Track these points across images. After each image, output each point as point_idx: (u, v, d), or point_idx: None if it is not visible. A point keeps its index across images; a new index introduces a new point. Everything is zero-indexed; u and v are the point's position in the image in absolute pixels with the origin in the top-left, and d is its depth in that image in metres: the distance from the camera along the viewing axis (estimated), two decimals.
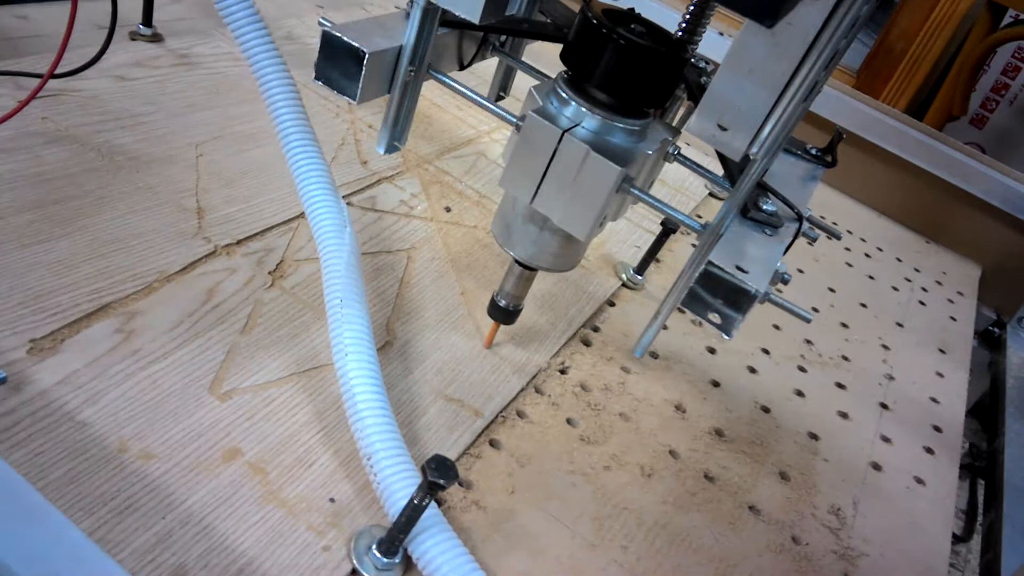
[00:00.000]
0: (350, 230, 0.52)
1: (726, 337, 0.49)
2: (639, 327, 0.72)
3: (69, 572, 0.26)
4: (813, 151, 0.64)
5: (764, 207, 0.52)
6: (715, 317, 0.49)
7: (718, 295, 0.48)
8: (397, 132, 0.54)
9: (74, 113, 0.68)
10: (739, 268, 0.47)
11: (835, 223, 1.10)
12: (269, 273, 0.60)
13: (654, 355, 0.70)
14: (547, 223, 0.52)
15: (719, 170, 0.55)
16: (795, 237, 0.52)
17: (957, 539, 1.14)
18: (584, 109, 0.48)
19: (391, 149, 0.54)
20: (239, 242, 0.61)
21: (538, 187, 0.49)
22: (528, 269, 0.57)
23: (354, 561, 0.43)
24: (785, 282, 0.50)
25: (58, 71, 0.66)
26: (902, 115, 1.19)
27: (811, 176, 0.62)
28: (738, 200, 0.48)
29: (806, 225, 0.54)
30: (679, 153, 0.53)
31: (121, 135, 0.67)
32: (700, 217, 0.96)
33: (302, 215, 0.67)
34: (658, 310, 0.54)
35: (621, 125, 0.48)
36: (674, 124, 0.60)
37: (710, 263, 0.47)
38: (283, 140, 0.52)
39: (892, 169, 1.16)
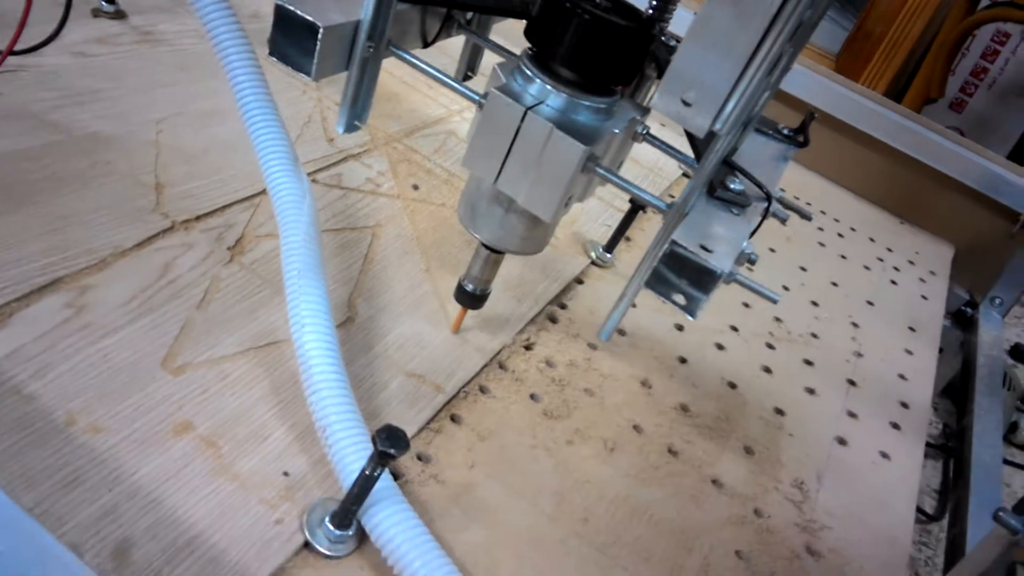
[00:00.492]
0: (310, 200, 0.51)
1: (690, 318, 0.48)
2: (607, 305, 0.72)
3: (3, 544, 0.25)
4: (785, 131, 0.64)
5: (731, 186, 0.51)
6: (679, 298, 0.48)
7: (683, 275, 0.47)
8: (357, 111, 0.53)
9: (31, 89, 0.66)
10: (703, 247, 0.46)
11: (809, 204, 1.10)
12: (228, 249, 0.59)
13: (621, 332, 0.69)
14: (512, 204, 0.51)
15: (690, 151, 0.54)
16: (763, 217, 0.51)
17: (929, 518, 1.16)
18: (549, 87, 0.47)
19: (351, 128, 0.53)
20: (198, 218, 0.60)
21: (501, 167, 0.47)
22: (495, 252, 0.55)
23: (307, 534, 0.43)
24: (752, 262, 0.49)
25: (16, 48, 0.65)
26: (879, 96, 1.19)
27: (782, 156, 0.61)
28: (702, 178, 0.47)
29: (775, 205, 0.54)
30: (648, 133, 0.52)
31: (79, 111, 0.66)
32: (672, 197, 0.96)
33: (264, 191, 0.66)
34: (623, 292, 0.53)
35: (587, 103, 0.47)
36: (645, 104, 0.59)
37: (673, 242, 0.46)
38: (243, 111, 0.52)
39: (868, 150, 1.17)
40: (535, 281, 0.70)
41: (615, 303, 0.53)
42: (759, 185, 0.52)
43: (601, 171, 0.48)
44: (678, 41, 0.59)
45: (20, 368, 0.45)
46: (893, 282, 0.99)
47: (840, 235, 1.05)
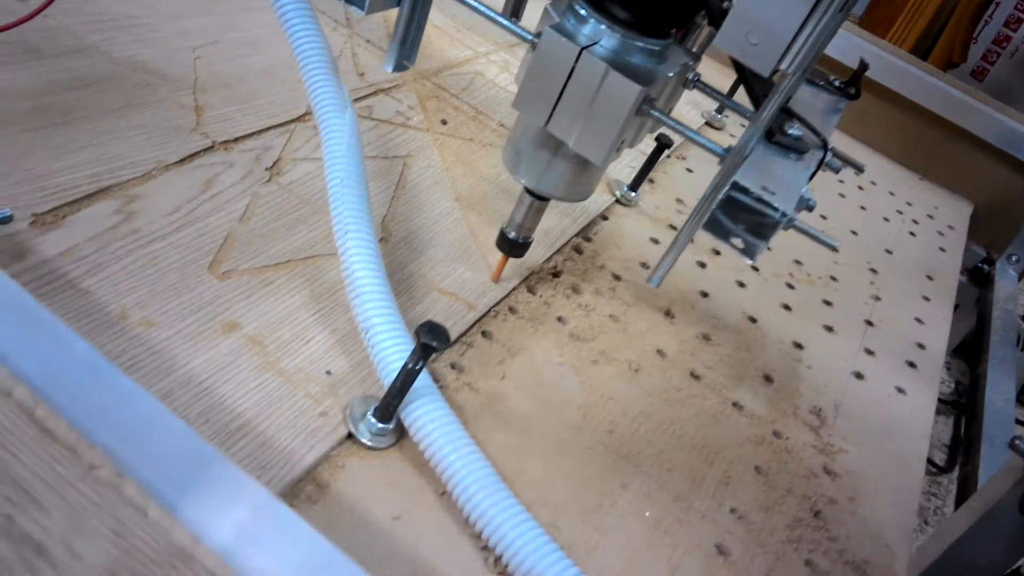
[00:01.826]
0: (351, 111, 0.52)
1: (749, 261, 0.47)
2: (631, 239, 0.73)
3: (78, 379, 0.27)
4: (836, 83, 0.62)
5: (790, 131, 0.50)
6: (738, 242, 0.47)
7: (742, 219, 0.46)
8: (406, 50, 0.52)
9: (72, 14, 0.68)
10: (765, 189, 0.45)
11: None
12: (267, 169, 0.61)
13: (645, 266, 0.71)
14: (560, 149, 0.50)
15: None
16: (819, 166, 0.50)
17: (940, 470, 1.17)
18: (603, 27, 0.46)
19: (399, 68, 0.52)
20: (236, 139, 0.62)
21: (553, 109, 0.46)
22: (539, 199, 0.54)
23: (350, 426, 0.45)
24: (810, 209, 0.48)
25: None
26: (902, 52, 1.19)
27: (833, 108, 0.60)
28: (765, 121, 0.45)
29: (829, 155, 0.52)
30: (699, 80, 0.51)
31: (118, 35, 0.67)
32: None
33: (299, 118, 0.68)
34: (675, 239, 0.52)
35: (641, 44, 0.46)
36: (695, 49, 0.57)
37: (735, 184, 0.45)
38: (284, 22, 0.52)
39: (889, 106, 1.17)
40: (561, 215, 0.71)
41: (667, 250, 0.52)
42: (816, 132, 0.50)
43: (656, 113, 0.46)
44: None
45: (74, 265, 0.46)
46: (912, 234, 1.00)
47: (860, 187, 1.06)
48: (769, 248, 0.82)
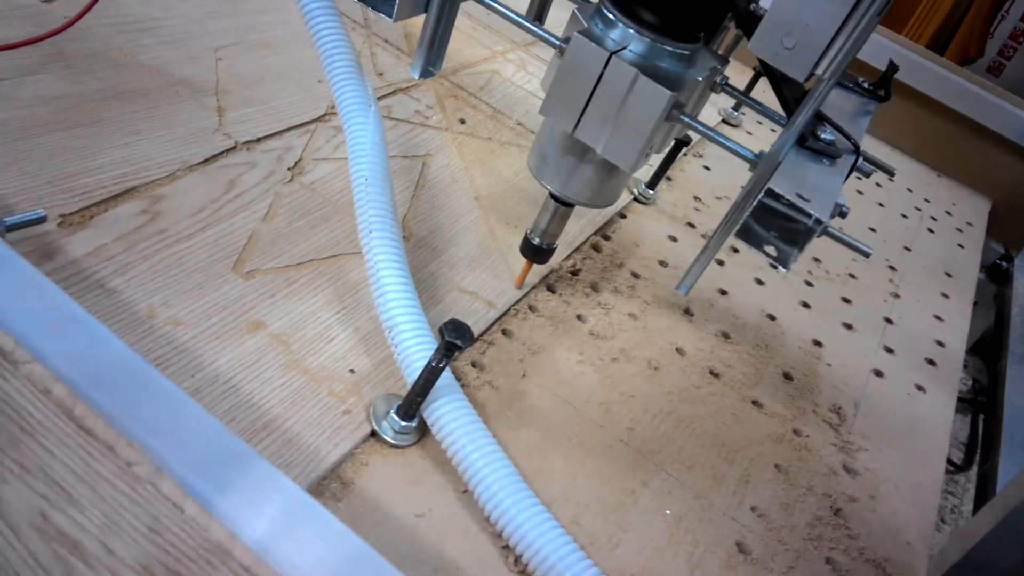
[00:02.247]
0: (375, 108, 0.53)
1: (783, 270, 0.46)
2: (649, 237, 0.73)
3: (116, 377, 0.28)
4: (865, 84, 0.62)
5: (822, 136, 0.49)
6: (771, 249, 0.46)
7: (773, 227, 0.45)
8: (432, 56, 0.52)
9: (96, 16, 0.68)
10: (800, 196, 0.44)
11: None
12: (288, 169, 0.61)
13: (663, 264, 0.71)
14: (587, 154, 0.50)
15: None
16: (851, 170, 0.50)
17: (957, 468, 1.17)
18: (632, 31, 0.45)
19: (426, 74, 0.52)
20: (258, 140, 0.62)
21: (581, 115, 0.46)
22: (564, 205, 0.54)
23: (373, 424, 0.45)
24: (843, 215, 0.47)
25: None
26: (918, 47, 1.18)
27: (863, 111, 0.58)
28: (798, 127, 0.45)
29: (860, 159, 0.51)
30: (727, 83, 0.51)
31: (141, 37, 0.68)
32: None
33: (319, 119, 0.68)
34: (706, 245, 0.51)
35: (670, 49, 0.46)
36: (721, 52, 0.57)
37: (769, 190, 0.44)
38: (309, 21, 0.53)
39: (906, 102, 1.16)
40: (579, 213, 0.71)
41: (696, 256, 0.51)
42: (848, 137, 0.50)
43: (686, 119, 0.46)
44: None
45: (102, 265, 0.47)
46: (930, 230, 1.00)
47: (878, 184, 1.05)
48: None
